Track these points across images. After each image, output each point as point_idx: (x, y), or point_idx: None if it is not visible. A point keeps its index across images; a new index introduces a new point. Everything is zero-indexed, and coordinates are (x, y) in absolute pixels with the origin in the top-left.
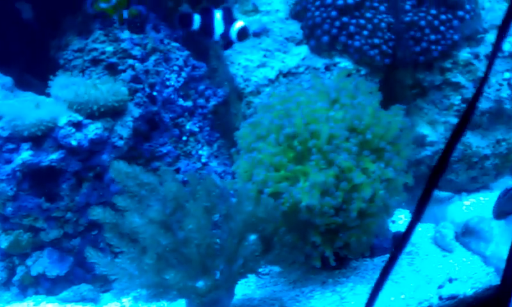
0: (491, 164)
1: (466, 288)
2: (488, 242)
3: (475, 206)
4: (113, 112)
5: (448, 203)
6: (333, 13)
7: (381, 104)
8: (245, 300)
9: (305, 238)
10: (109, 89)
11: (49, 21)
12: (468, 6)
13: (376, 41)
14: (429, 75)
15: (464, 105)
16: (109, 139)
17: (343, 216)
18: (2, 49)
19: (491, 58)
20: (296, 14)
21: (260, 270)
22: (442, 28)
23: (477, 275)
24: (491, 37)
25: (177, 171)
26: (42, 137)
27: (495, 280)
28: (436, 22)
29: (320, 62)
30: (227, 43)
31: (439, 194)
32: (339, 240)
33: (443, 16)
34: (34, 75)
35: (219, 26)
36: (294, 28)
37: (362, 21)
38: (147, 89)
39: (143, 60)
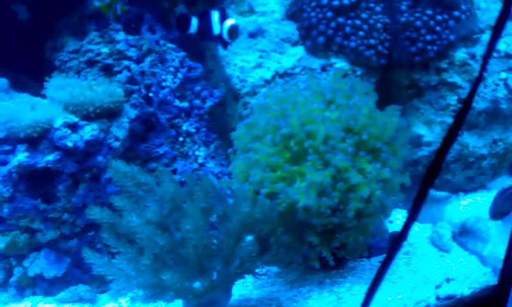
0: (488, 164)
1: (463, 288)
2: (485, 242)
3: (472, 206)
4: (109, 114)
5: (446, 203)
6: (329, 14)
7: (377, 104)
8: (242, 301)
9: (302, 239)
10: (104, 90)
11: (45, 22)
12: (463, 6)
13: (372, 41)
14: (425, 76)
15: (460, 106)
16: (105, 140)
17: (340, 216)
18: None
19: (485, 58)
20: (292, 15)
21: (257, 270)
22: (438, 28)
23: (474, 275)
24: (487, 37)
25: (174, 171)
26: (38, 139)
27: (492, 280)
28: (431, 23)
29: (316, 63)
30: (222, 42)
31: (436, 194)
32: (336, 240)
33: (438, 17)
34: (30, 76)
35: (216, 27)
36: (290, 29)
37: (358, 22)
38: (143, 90)
39: (138, 61)
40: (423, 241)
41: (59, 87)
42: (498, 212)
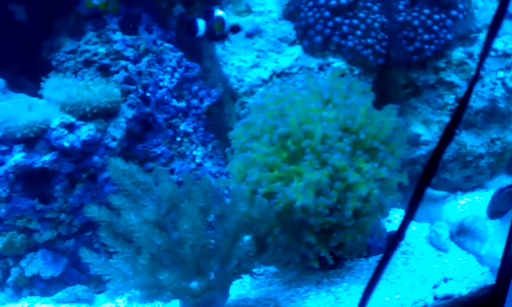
0: (485, 163)
1: (461, 288)
2: (483, 242)
3: (470, 205)
4: (106, 114)
5: (443, 202)
6: (326, 13)
7: (375, 104)
8: (239, 301)
9: (300, 239)
10: (101, 90)
11: (43, 22)
12: (461, 6)
13: (369, 41)
14: (423, 75)
15: (458, 105)
16: (102, 141)
17: (337, 216)
18: None
19: (482, 57)
20: (289, 14)
21: (254, 270)
22: (435, 27)
23: (472, 275)
24: (484, 36)
25: (171, 171)
26: (35, 139)
27: (490, 279)
28: (429, 22)
29: (313, 63)
30: (216, 36)
31: (434, 193)
32: (333, 240)
33: (436, 16)
34: (28, 76)
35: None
36: (287, 28)
37: (355, 21)
38: (140, 90)
39: (135, 61)
40: (421, 240)
41: (56, 87)
42: (495, 211)
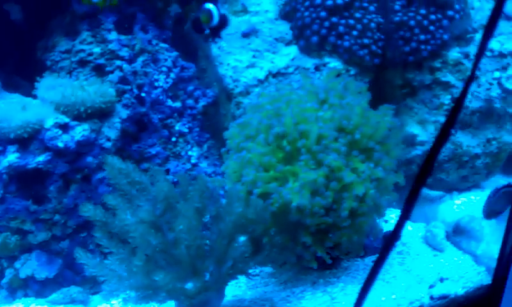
0: (482, 163)
1: (457, 288)
2: (479, 241)
3: (466, 205)
4: (100, 114)
5: (439, 202)
6: (323, 14)
7: (371, 104)
8: (235, 302)
9: (296, 239)
10: (96, 90)
11: (38, 22)
12: (457, 6)
13: (366, 41)
14: (419, 75)
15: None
16: (97, 141)
17: (333, 216)
18: None
19: (477, 58)
20: (286, 14)
21: (250, 271)
22: (432, 28)
23: (468, 275)
24: (480, 36)
25: (167, 172)
26: (29, 140)
27: (486, 279)
28: (425, 22)
29: (309, 63)
30: (203, 30)
31: (430, 193)
32: (329, 240)
33: (432, 16)
34: (23, 76)
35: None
36: (284, 28)
37: (352, 21)
38: (135, 90)
39: (130, 61)
40: (417, 241)
41: (51, 87)
42: (491, 211)
